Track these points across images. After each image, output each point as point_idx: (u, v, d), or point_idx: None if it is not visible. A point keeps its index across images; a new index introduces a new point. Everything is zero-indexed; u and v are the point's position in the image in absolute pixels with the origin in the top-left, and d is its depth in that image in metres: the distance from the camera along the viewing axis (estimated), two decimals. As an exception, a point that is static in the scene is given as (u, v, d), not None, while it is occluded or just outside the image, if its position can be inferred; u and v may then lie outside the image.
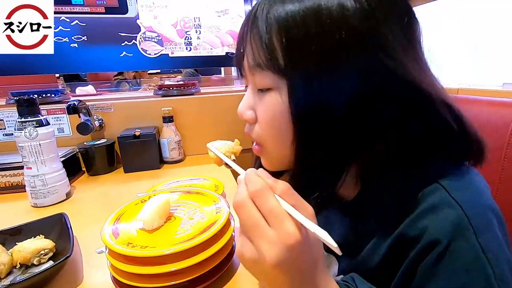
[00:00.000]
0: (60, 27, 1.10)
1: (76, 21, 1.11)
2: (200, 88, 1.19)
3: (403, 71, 0.30)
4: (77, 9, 0.94)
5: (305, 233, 0.26)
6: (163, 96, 1.06)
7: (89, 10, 0.94)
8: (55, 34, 1.09)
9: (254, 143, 0.40)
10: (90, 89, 1.35)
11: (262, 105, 0.36)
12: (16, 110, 0.68)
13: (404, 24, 0.32)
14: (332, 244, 0.23)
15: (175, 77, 2.21)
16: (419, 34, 0.34)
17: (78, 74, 1.65)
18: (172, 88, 1.08)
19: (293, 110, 0.33)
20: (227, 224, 0.44)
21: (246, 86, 0.41)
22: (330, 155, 0.34)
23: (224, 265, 0.43)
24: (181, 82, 1.12)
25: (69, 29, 1.11)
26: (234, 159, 0.39)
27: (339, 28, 0.29)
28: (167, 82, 1.12)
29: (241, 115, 0.39)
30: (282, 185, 0.28)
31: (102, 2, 0.94)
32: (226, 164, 0.39)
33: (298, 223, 0.25)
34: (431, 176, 0.32)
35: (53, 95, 0.97)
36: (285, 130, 0.34)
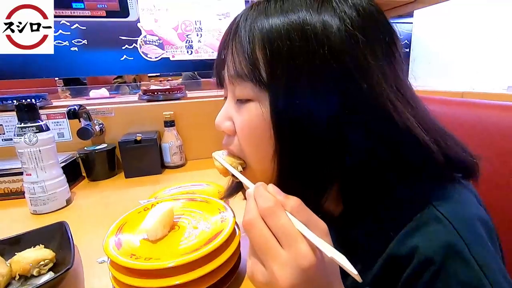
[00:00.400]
0: (60, 31, 1.09)
1: (77, 25, 1.10)
2: (201, 91, 1.18)
3: (375, 95, 0.30)
4: (77, 12, 0.93)
5: (320, 255, 0.25)
6: (148, 101, 1.03)
7: (89, 14, 0.93)
8: (55, 38, 1.09)
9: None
10: (103, 92, 1.35)
11: (240, 116, 0.35)
12: (15, 115, 0.67)
13: (385, 45, 0.32)
14: (352, 271, 0.22)
15: (171, 80, 2.20)
16: (400, 54, 0.34)
17: (78, 77, 1.64)
18: (157, 93, 1.05)
19: (274, 123, 0.32)
20: (233, 233, 0.43)
21: (225, 98, 0.40)
22: (312, 170, 0.33)
23: (230, 276, 0.41)
24: (167, 87, 1.10)
25: (69, 33, 1.10)
26: (241, 170, 0.37)
27: (321, 45, 0.29)
28: (152, 87, 1.10)
29: (218, 127, 0.38)
30: (293, 201, 0.27)
31: (103, 5, 0.94)
32: (233, 176, 0.37)
33: (311, 243, 0.24)
34: (416, 193, 0.32)
35: (33, 100, 0.94)
36: (265, 143, 0.33)
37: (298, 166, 0.33)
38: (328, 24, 0.29)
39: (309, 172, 0.33)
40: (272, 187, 0.28)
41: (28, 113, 0.66)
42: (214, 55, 1.26)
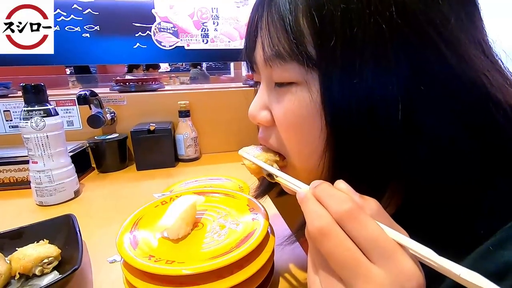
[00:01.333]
0: (72, 16, 1.04)
1: (89, 10, 1.05)
2: (216, 83, 1.12)
3: (465, 67, 0.23)
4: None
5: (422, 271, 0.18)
6: (120, 92, 0.96)
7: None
8: (67, 23, 1.04)
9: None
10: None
11: (281, 103, 0.28)
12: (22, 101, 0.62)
13: (469, 11, 0.25)
14: None
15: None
16: (483, 26, 0.26)
17: (88, 66, 1.60)
18: (129, 84, 0.97)
19: (327, 109, 0.25)
20: (267, 235, 0.36)
21: (257, 83, 0.33)
22: (374, 166, 0.26)
23: (267, 282, 0.35)
24: (142, 77, 1.03)
25: (81, 18, 1.05)
26: (278, 169, 0.31)
27: (388, 5, 0.22)
28: (127, 77, 1.04)
29: (253, 118, 0.32)
30: (372, 203, 0.21)
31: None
32: (269, 176, 0.30)
33: (412, 256, 0.18)
34: (504, 196, 0.24)
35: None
36: (314, 134, 0.27)
37: (356, 161, 0.26)
38: None
39: (370, 168, 0.26)
40: (345, 185, 0.22)
41: (35, 95, 0.61)
42: (230, 45, 1.21)
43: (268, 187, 0.43)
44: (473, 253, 0.24)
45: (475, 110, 0.24)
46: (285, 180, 0.28)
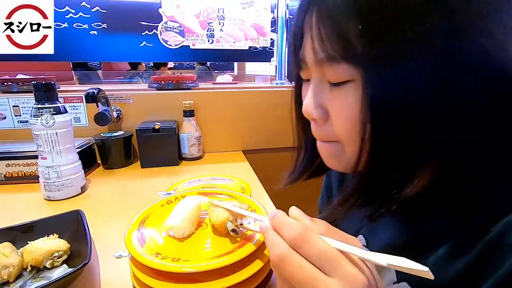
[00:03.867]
0: (80, 13, 1.06)
1: (97, 7, 1.07)
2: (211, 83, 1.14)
3: (503, 58, 0.25)
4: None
5: (368, 271, 0.21)
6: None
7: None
8: (75, 20, 1.06)
9: (320, 141, 0.35)
10: (228, 78, 1.35)
11: (339, 100, 0.30)
12: (31, 96, 0.63)
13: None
14: (421, 269, 0.19)
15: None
16: None
17: (85, 62, 1.61)
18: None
19: (373, 102, 0.27)
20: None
21: (306, 80, 0.35)
22: (413, 151, 0.28)
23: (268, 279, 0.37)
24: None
25: (89, 15, 1.07)
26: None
27: (428, 7, 0.24)
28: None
29: (309, 114, 0.33)
30: (321, 223, 0.24)
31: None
32: (233, 231, 0.35)
33: (355, 261, 0.21)
34: None
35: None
36: (364, 125, 0.28)
37: (399, 147, 0.28)
38: None
39: (411, 152, 0.28)
40: (296, 210, 0.25)
41: (46, 93, 0.62)
42: (235, 45, 1.22)
43: (306, 166, 0.44)
44: (501, 222, 0.25)
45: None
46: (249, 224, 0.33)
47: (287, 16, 1.18)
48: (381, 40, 0.25)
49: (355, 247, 0.22)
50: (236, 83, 1.29)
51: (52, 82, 0.63)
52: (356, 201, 0.31)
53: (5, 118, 0.86)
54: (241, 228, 0.35)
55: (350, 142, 0.31)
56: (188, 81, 1.01)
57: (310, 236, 0.22)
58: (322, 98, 0.32)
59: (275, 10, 1.20)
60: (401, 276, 0.33)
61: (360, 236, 0.42)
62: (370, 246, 0.40)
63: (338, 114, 0.30)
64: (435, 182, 0.29)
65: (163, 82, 0.98)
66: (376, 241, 0.39)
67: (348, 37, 0.26)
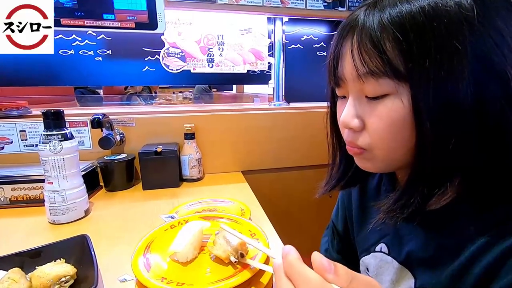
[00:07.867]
0: (86, 41, 1.11)
1: (103, 35, 1.12)
2: (215, 104, 1.17)
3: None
4: (108, 23, 0.94)
5: None
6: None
7: (119, 25, 0.94)
8: (81, 48, 1.11)
9: (351, 146, 0.38)
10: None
11: (376, 113, 0.34)
12: (38, 121, 0.66)
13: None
14: None
15: (183, 91, 2.22)
16: None
17: (86, 86, 1.66)
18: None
19: (418, 114, 0.30)
20: (267, 260, 0.40)
21: (342, 97, 0.40)
22: (452, 159, 0.31)
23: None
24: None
25: (94, 43, 1.12)
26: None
27: (458, 23, 0.28)
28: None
29: (347, 124, 0.37)
30: (345, 277, 0.22)
31: (133, 17, 0.95)
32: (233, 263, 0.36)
33: None
34: None
35: None
36: (403, 133, 0.32)
37: (442, 155, 0.31)
38: (461, 3, 0.29)
39: (450, 160, 0.31)
40: (319, 260, 0.23)
41: (54, 120, 0.66)
42: (234, 69, 1.27)
43: (343, 174, 0.47)
44: None
45: None
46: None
47: (283, 40, 1.24)
48: (423, 58, 0.29)
49: None
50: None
51: (61, 110, 0.67)
52: (402, 213, 0.33)
53: (11, 142, 0.89)
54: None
55: (384, 149, 0.35)
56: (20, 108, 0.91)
57: None
58: (359, 110, 0.36)
59: (272, 35, 1.26)
60: (418, 285, 0.35)
61: (382, 245, 0.44)
62: (392, 254, 0.42)
63: (376, 125, 0.34)
64: (468, 186, 0.32)
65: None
66: (399, 249, 0.41)
67: (389, 56, 0.30)
